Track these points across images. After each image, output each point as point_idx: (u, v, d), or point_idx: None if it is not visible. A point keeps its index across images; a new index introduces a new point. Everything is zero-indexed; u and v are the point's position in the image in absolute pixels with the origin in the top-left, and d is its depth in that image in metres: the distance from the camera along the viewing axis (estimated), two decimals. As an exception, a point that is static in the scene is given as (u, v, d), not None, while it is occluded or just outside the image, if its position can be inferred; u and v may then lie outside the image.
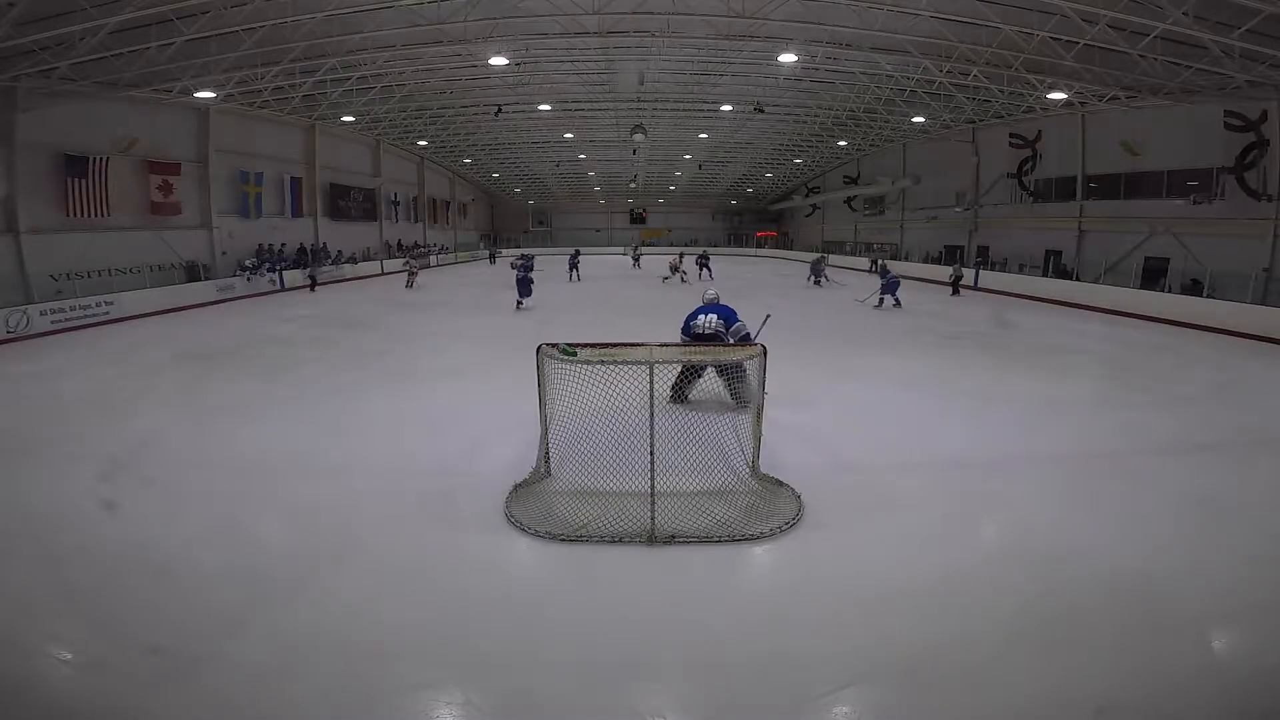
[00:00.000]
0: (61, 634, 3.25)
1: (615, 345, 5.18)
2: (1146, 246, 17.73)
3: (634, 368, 4.42)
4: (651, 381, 4.24)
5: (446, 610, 3.44)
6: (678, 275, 22.77)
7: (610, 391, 4.44)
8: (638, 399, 4.26)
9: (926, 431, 6.38)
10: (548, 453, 4.91)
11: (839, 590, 3.62)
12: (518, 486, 4.76)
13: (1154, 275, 16.34)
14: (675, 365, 5.59)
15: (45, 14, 11.10)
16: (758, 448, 4.91)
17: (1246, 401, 7.63)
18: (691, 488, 4.54)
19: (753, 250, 44.63)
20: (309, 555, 4.00)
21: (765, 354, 4.72)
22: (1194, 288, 14.51)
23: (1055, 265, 20.46)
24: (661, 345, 4.97)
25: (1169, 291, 15.23)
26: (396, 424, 6.47)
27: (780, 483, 4.89)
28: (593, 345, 5.06)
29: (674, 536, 4.08)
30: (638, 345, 5.07)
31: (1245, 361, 9.84)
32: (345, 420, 6.66)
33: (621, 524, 4.20)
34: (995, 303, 17.32)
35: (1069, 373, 8.89)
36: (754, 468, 4.94)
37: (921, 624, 3.28)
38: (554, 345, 4.74)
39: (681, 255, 24.71)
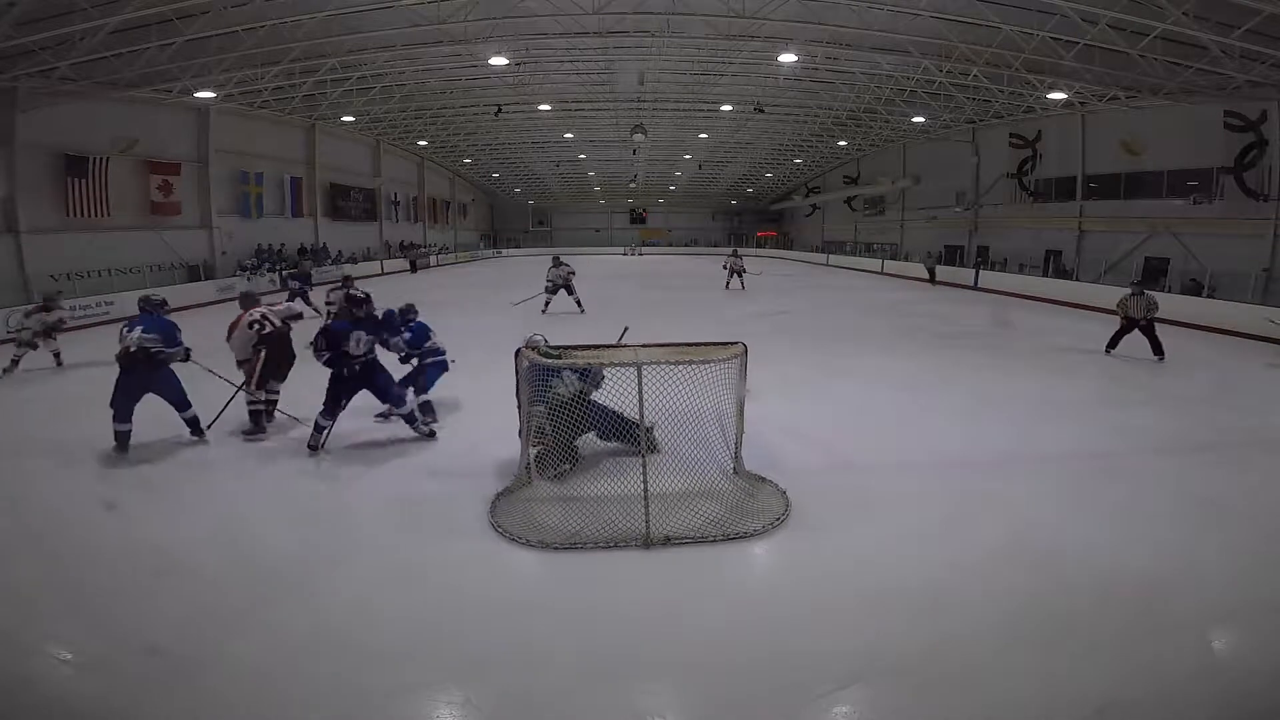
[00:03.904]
0: (61, 634, 3.25)
1: (599, 347, 5.17)
2: (1146, 246, 17.74)
3: (619, 370, 4.38)
4: (640, 383, 4.22)
5: (446, 611, 3.44)
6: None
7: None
8: (625, 401, 4.22)
9: (926, 431, 6.38)
10: (530, 459, 4.86)
11: (838, 590, 3.62)
12: (500, 495, 4.67)
13: (1154, 275, 16.35)
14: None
15: (45, 14, 11.12)
16: (739, 445, 4.91)
17: (1246, 402, 7.63)
18: (676, 488, 4.51)
19: (753, 250, 44.62)
20: (309, 555, 4.00)
21: (746, 352, 4.70)
22: (1194, 288, 14.52)
23: (1055, 265, 20.46)
24: (644, 346, 4.94)
25: (1169, 291, 15.25)
26: (396, 423, 6.45)
27: (762, 479, 4.88)
28: (576, 347, 5.05)
29: (669, 538, 4.05)
30: (623, 347, 5.05)
31: (1245, 362, 9.84)
32: (344, 419, 6.64)
33: (614, 528, 4.15)
34: (995, 302, 17.33)
35: (1069, 373, 8.89)
36: (737, 465, 4.93)
37: (921, 623, 3.28)
38: (533, 348, 4.71)
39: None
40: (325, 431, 5.75)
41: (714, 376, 4.54)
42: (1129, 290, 9.89)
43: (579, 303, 14.28)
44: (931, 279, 23.46)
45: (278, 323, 6.42)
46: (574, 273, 14.77)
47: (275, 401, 6.48)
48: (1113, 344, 9.82)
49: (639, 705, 2.83)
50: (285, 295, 14.22)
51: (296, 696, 2.82)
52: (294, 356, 6.54)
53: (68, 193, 15.13)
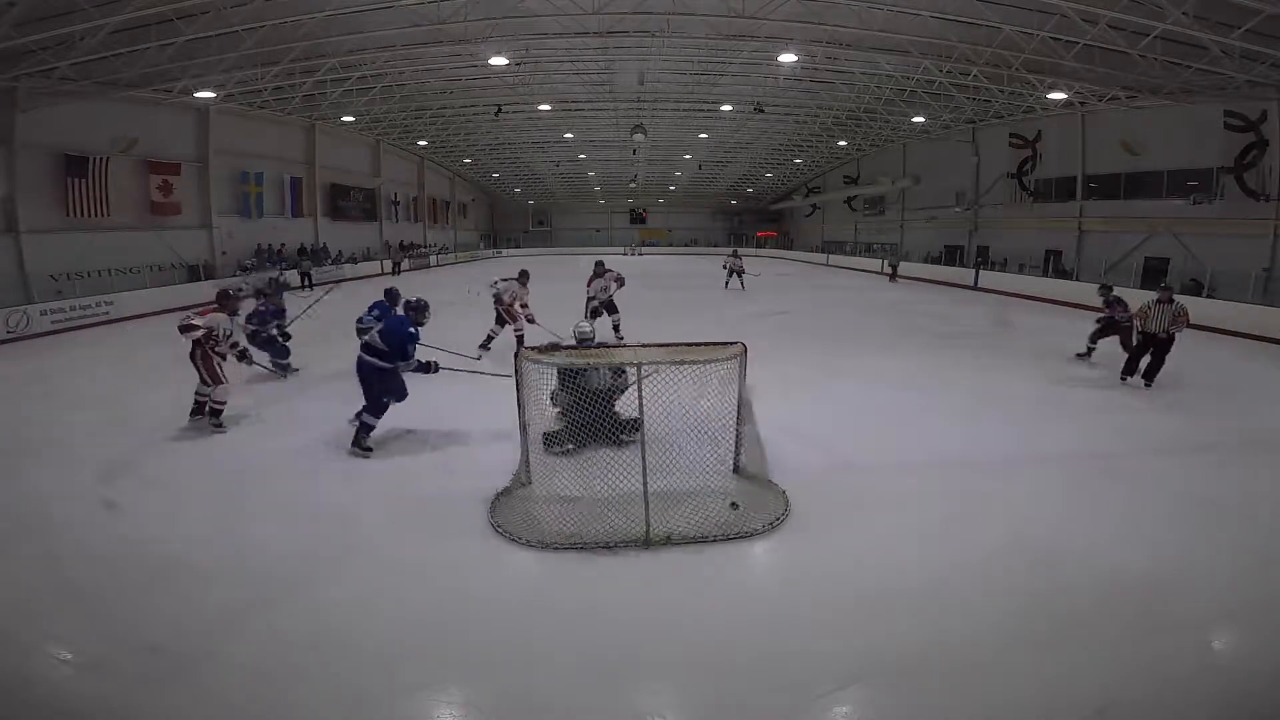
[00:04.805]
0: (61, 633, 3.25)
1: (600, 348, 5.21)
2: (1146, 246, 17.74)
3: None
4: (640, 382, 4.23)
5: (446, 611, 3.44)
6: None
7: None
8: (624, 402, 4.23)
9: (926, 431, 6.38)
10: (528, 459, 4.87)
11: (838, 590, 3.62)
12: (500, 495, 4.69)
13: (1154, 275, 16.32)
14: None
15: (45, 14, 11.11)
16: (739, 445, 4.91)
17: (1246, 402, 7.63)
18: (674, 488, 4.51)
19: (753, 250, 44.50)
20: (309, 555, 4.00)
21: (745, 352, 4.70)
22: (1194, 288, 14.51)
23: (1055, 265, 20.46)
24: (644, 346, 4.96)
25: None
26: (397, 424, 6.46)
27: (762, 478, 4.89)
28: (574, 348, 5.09)
29: (669, 538, 4.05)
30: (621, 346, 5.08)
31: (1245, 361, 9.84)
32: (345, 420, 6.65)
33: (614, 528, 4.16)
34: (995, 302, 17.32)
35: (1069, 373, 8.89)
36: (737, 465, 4.95)
37: (921, 623, 3.28)
38: (534, 348, 4.74)
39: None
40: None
41: (714, 376, 4.54)
42: (1155, 296, 7.95)
43: (618, 328, 10.63)
44: (893, 276, 24.73)
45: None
46: (622, 282, 10.98)
47: (199, 404, 6.43)
48: (1129, 369, 8.14)
49: (639, 705, 2.83)
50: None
51: (296, 696, 2.82)
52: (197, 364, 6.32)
53: (68, 193, 15.12)
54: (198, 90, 16.22)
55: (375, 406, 5.71)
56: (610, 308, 10.75)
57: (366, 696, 2.81)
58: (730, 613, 3.41)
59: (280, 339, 8.48)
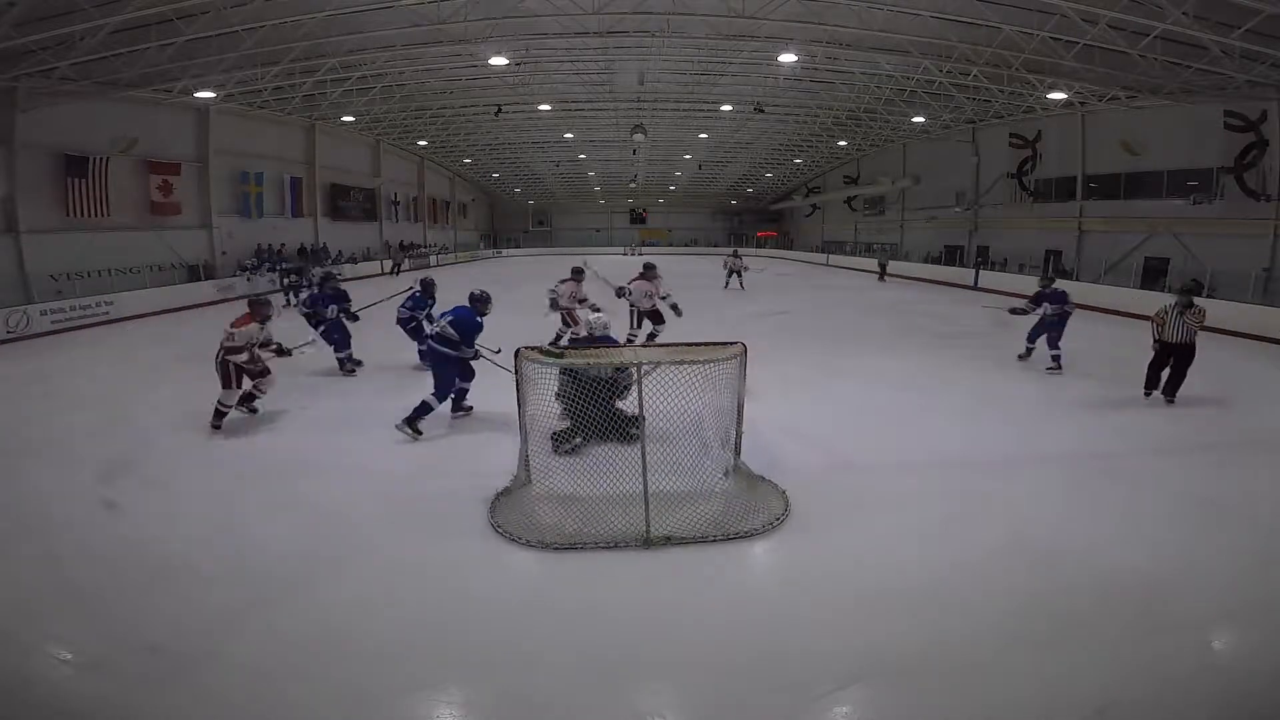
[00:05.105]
0: (61, 633, 3.25)
1: (600, 348, 5.21)
2: (1146, 246, 17.74)
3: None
4: (640, 382, 4.24)
5: (446, 611, 3.44)
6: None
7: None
8: (626, 403, 4.23)
9: (926, 431, 6.38)
10: (528, 459, 4.86)
11: (838, 590, 3.62)
12: (500, 495, 4.69)
13: (1154, 275, 16.35)
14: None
15: (45, 14, 11.11)
16: (739, 445, 4.91)
17: (1246, 402, 7.61)
18: (674, 488, 4.50)
19: (753, 250, 44.40)
20: (309, 555, 4.00)
21: (745, 352, 4.70)
22: (1194, 288, 14.47)
23: (1055, 265, 20.46)
24: (644, 345, 4.97)
25: (1169, 291, 15.23)
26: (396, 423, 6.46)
27: (762, 479, 4.89)
28: (574, 348, 5.09)
29: (669, 538, 4.05)
30: (623, 346, 5.08)
31: (1245, 361, 9.84)
32: (345, 420, 6.66)
33: (614, 528, 4.16)
34: (995, 302, 17.28)
35: (1068, 373, 8.88)
36: (737, 465, 4.95)
37: (921, 623, 3.28)
38: (534, 348, 4.75)
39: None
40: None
41: (714, 376, 4.54)
42: (1172, 300, 7.29)
43: (654, 337, 9.60)
44: (881, 275, 24.80)
45: None
46: (679, 311, 9.87)
47: (246, 395, 6.57)
48: (1150, 383, 7.25)
49: (639, 705, 2.83)
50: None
51: (296, 696, 2.82)
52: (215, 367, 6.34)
53: (68, 193, 15.12)
54: (198, 90, 16.22)
55: (442, 391, 6.06)
56: (655, 318, 9.79)
57: (366, 696, 2.81)
58: (730, 613, 3.41)
59: (347, 320, 8.67)
